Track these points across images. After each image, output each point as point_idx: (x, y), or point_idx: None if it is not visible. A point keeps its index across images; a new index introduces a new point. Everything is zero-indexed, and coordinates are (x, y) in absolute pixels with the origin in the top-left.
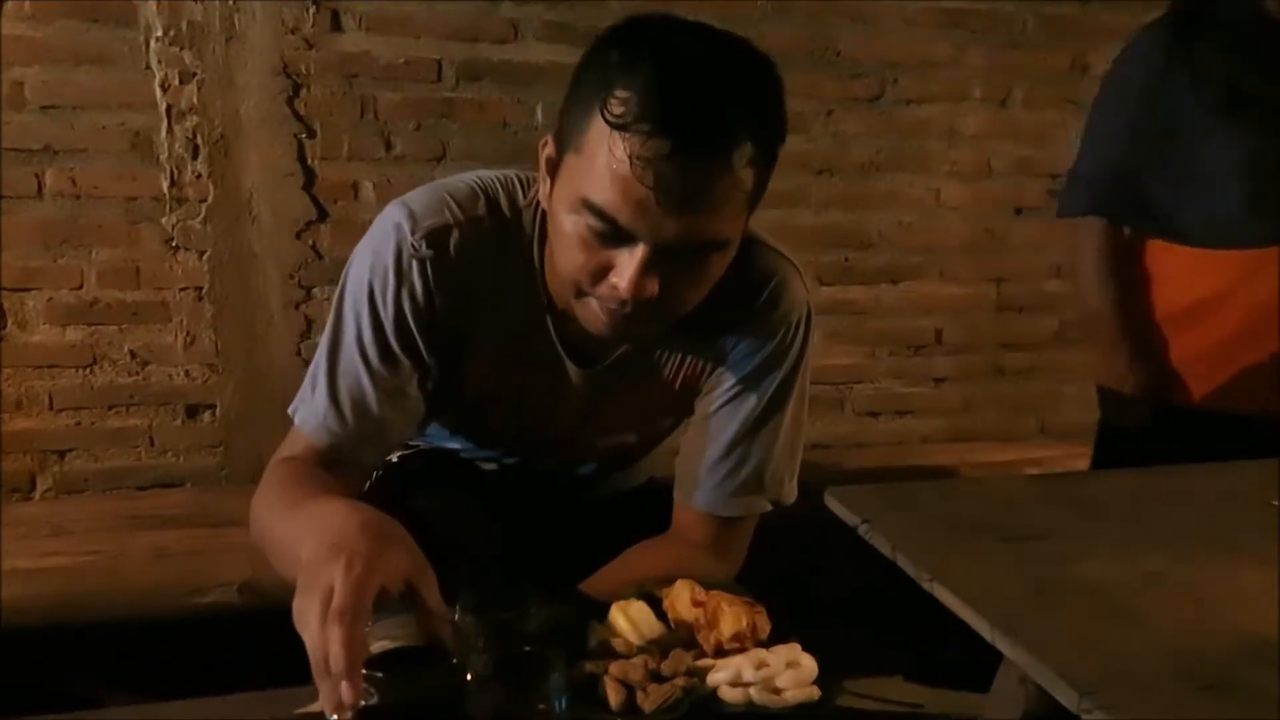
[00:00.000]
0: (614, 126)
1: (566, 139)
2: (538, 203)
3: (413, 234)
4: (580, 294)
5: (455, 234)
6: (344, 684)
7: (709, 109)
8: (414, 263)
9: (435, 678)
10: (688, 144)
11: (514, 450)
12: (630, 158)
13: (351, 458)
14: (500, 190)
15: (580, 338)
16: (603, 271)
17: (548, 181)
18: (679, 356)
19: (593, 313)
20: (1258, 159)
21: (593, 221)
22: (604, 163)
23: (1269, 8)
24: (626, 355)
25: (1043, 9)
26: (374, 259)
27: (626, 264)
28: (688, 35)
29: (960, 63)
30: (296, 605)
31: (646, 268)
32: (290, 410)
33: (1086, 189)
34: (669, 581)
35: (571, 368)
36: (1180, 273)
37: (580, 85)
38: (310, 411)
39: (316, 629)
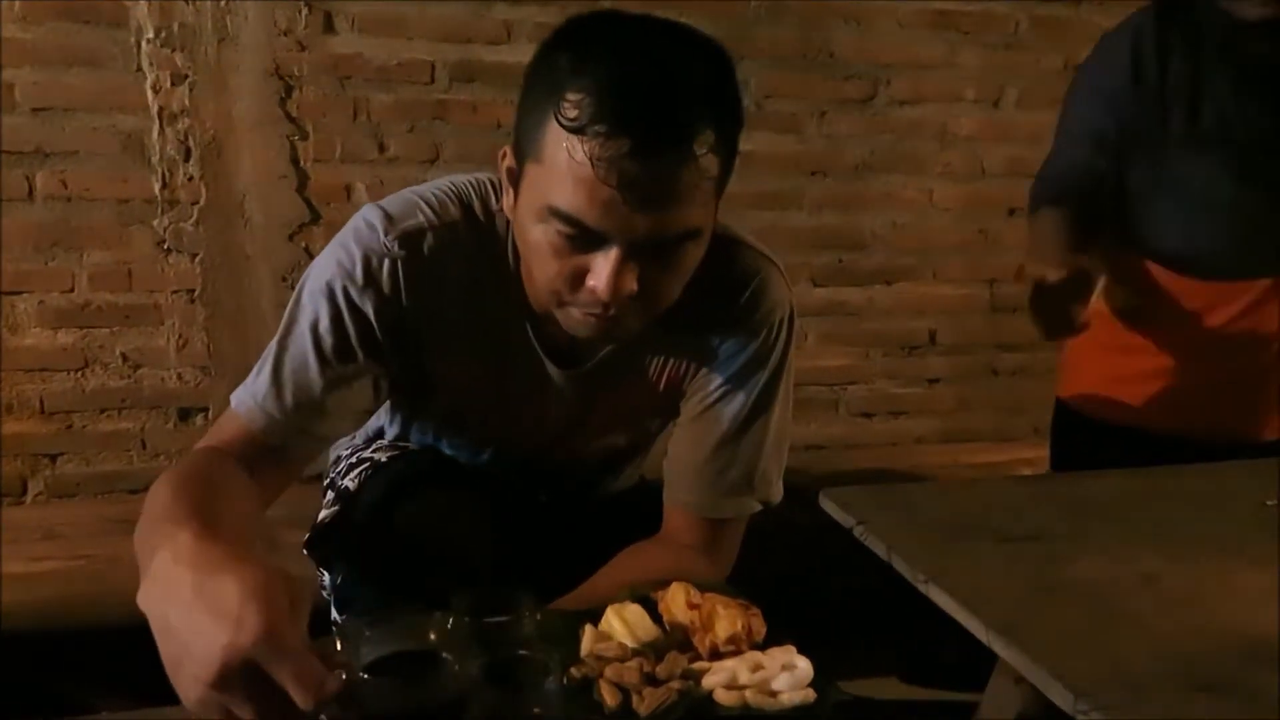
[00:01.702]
0: (570, 130)
1: (524, 148)
2: None
3: (386, 235)
4: (561, 303)
5: (429, 237)
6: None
7: (664, 101)
8: (385, 262)
9: (432, 681)
10: (647, 139)
11: (500, 455)
12: (591, 160)
13: (282, 444)
14: (474, 195)
15: (561, 340)
16: (579, 277)
17: (510, 193)
18: (663, 356)
19: (575, 319)
20: (1222, 188)
21: (561, 228)
22: (565, 168)
23: (1239, 11)
24: (609, 356)
25: (1035, 10)
26: (343, 253)
27: (601, 266)
28: (634, 29)
29: (953, 64)
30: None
31: (622, 267)
32: (233, 396)
33: (1041, 189)
34: (663, 584)
35: (553, 369)
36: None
37: (531, 92)
38: (249, 393)
39: None
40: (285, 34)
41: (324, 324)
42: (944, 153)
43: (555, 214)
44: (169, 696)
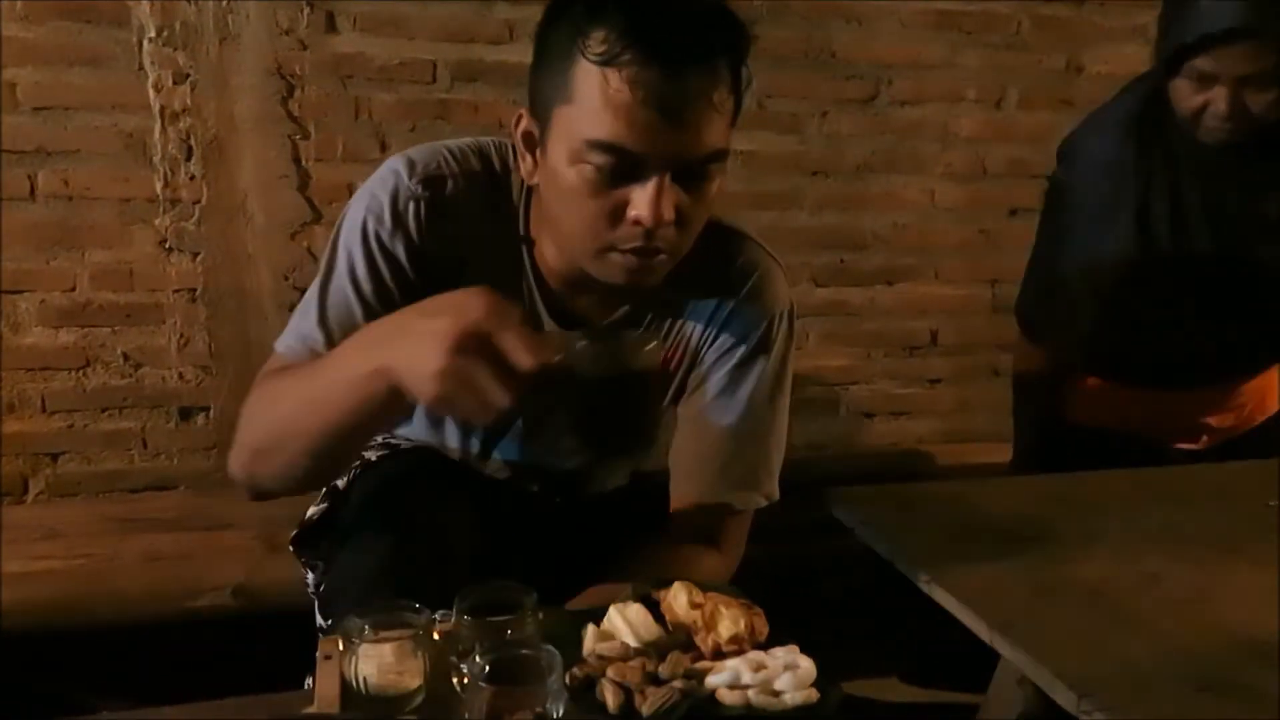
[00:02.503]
0: (603, 63)
1: (548, 98)
2: None
3: (410, 178)
4: (600, 249)
5: (450, 183)
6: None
7: (686, 23)
8: (410, 203)
9: (638, 357)
10: (677, 59)
11: (497, 431)
12: (629, 85)
13: None
14: (492, 150)
15: (565, 305)
16: (618, 212)
17: (528, 158)
18: (664, 337)
19: (614, 264)
20: (1195, 303)
21: (601, 160)
22: (601, 99)
23: (1200, 136)
24: (611, 327)
25: (1037, 10)
26: (371, 200)
27: (641, 194)
28: None
29: (954, 64)
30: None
31: (663, 190)
32: (276, 345)
33: (1025, 314)
34: (666, 583)
35: (553, 330)
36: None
37: (548, 45)
38: (297, 336)
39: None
40: (287, 33)
41: (360, 269)
42: (945, 153)
43: (595, 146)
44: (168, 696)
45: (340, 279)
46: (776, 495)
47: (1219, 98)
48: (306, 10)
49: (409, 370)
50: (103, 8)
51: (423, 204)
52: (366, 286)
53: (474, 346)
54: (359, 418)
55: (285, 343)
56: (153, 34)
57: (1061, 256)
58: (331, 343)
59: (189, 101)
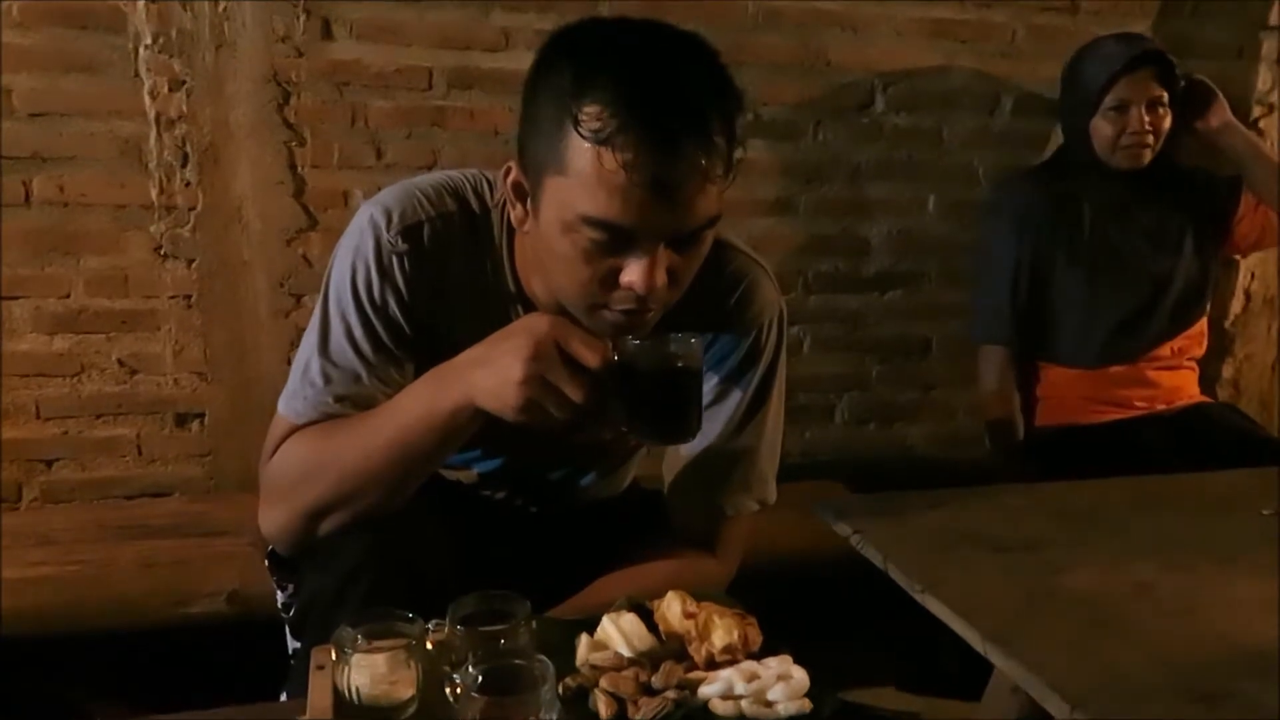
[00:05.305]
0: (596, 142)
1: (541, 162)
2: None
3: (388, 230)
4: (593, 306)
5: (427, 229)
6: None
7: (679, 99)
8: (394, 258)
9: (686, 357)
10: (672, 139)
11: (494, 450)
12: (623, 167)
13: None
14: (468, 188)
15: None
16: (612, 277)
17: (518, 206)
18: None
19: (607, 320)
20: (1113, 297)
21: (595, 235)
22: (595, 177)
23: (1104, 159)
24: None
25: (1032, 19)
26: (354, 257)
27: (636, 264)
28: (624, 33)
29: (949, 72)
30: (526, 383)
31: (656, 261)
32: (283, 409)
33: (988, 322)
34: (661, 593)
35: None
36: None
37: (538, 108)
38: (310, 405)
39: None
40: (283, 40)
41: (358, 333)
42: (940, 160)
43: (589, 222)
44: (162, 703)
45: (339, 343)
46: (772, 499)
47: (1134, 118)
48: (303, 17)
49: (494, 388)
50: (99, 14)
51: (406, 258)
52: (367, 348)
53: (548, 353)
54: (446, 450)
55: (295, 410)
56: (148, 40)
57: (1003, 270)
58: (344, 405)
59: (184, 108)
